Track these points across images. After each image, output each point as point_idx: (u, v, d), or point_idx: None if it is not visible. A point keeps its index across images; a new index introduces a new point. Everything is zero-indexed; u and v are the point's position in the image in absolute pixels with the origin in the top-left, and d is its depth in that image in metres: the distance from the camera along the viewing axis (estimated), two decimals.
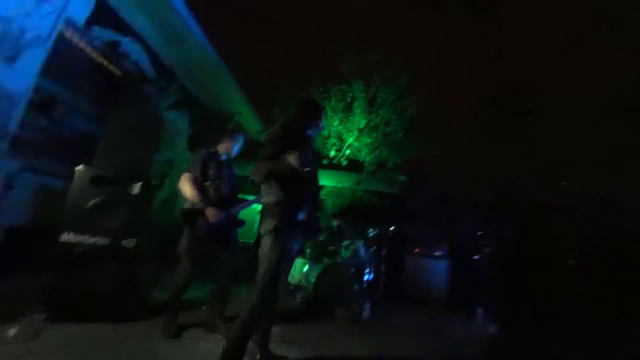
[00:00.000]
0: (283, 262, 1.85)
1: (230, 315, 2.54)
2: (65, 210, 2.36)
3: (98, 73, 3.40)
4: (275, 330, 2.20)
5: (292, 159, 1.83)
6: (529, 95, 7.05)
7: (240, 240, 2.74)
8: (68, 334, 2.08)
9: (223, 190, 2.57)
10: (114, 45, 3.89)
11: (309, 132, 2.15)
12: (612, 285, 4.67)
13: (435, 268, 5.65)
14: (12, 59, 2.63)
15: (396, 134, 6.84)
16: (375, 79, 6.71)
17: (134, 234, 2.52)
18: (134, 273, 2.59)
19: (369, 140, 6.83)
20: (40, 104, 3.03)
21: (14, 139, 2.75)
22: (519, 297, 3.98)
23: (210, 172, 2.54)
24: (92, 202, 2.39)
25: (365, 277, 4.16)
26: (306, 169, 1.86)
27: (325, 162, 6.72)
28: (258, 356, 1.95)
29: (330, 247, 4.43)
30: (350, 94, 6.68)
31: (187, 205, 2.45)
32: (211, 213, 2.37)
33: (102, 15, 3.69)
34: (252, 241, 1.93)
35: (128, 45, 4.12)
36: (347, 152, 6.94)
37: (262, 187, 1.98)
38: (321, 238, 4.43)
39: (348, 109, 6.79)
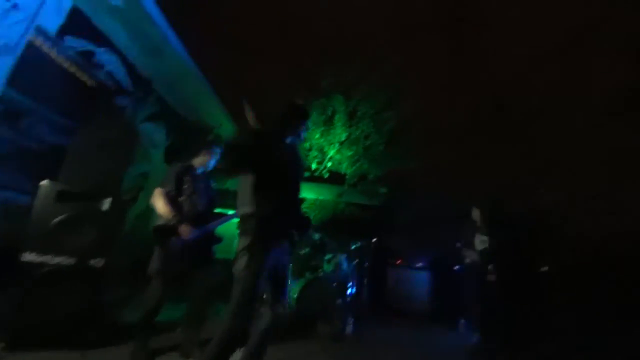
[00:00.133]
0: (260, 283, 1.69)
1: (208, 337, 2.42)
2: (28, 228, 2.22)
3: (69, 83, 3.27)
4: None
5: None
6: (515, 108, 7.33)
7: (220, 257, 2.64)
8: None
9: (199, 206, 2.47)
10: (87, 55, 3.77)
11: (288, 139, 1.98)
12: (597, 293, 4.74)
13: (417, 279, 5.70)
14: None
15: (377, 146, 6.95)
16: (354, 95, 6.83)
17: (103, 253, 2.39)
18: (102, 294, 2.43)
19: (350, 153, 6.89)
20: (5, 114, 2.88)
21: None
22: (501, 306, 4.03)
23: (185, 186, 2.44)
24: (57, 219, 2.26)
25: (348, 291, 4.12)
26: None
27: (307, 174, 6.71)
28: None
29: (312, 262, 4.36)
30: (330, 108, 6.76)
31: (160, 222, 2.33)
32: (185, 230, 2.25)
33: (77, 25, 3.58)
34: (233, 257, 1.85)
35: (103, 55, 4.01)
36: (329, 164, 6.96)
37: (238, 194, 1.88)
38: (302, 252, 4.35)
39: (329, 122, 6.85)
